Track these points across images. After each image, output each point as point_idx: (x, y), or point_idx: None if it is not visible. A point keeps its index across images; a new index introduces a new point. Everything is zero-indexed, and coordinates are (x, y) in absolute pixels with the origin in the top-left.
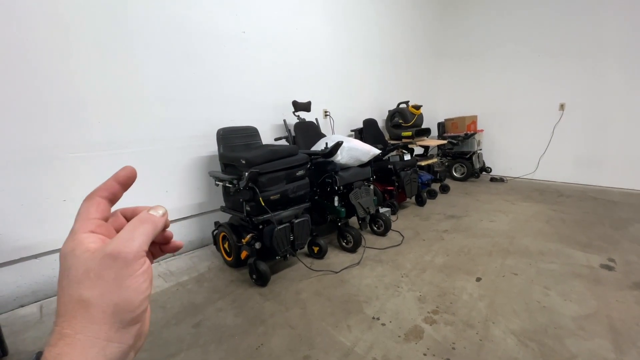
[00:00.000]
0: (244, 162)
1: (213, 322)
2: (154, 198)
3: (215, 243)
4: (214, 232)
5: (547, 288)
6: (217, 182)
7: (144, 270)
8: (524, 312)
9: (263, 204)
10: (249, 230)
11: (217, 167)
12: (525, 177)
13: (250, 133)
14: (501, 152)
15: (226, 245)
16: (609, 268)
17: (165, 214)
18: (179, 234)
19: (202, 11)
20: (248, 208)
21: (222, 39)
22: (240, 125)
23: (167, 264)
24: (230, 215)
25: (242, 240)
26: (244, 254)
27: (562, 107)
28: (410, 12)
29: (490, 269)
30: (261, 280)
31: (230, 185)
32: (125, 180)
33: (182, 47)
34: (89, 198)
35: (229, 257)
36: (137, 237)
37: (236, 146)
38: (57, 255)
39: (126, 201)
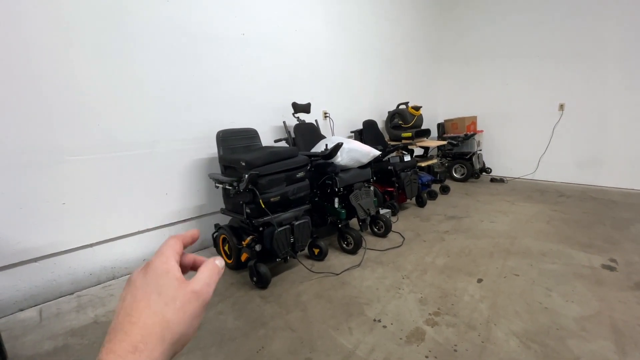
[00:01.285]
0: (243, 164)
1: (213, 325)
2: (154, 200)
3: (216, 245)
4: (214, 235)
5: (548, 289)
6: (217, 184)
7: (203, 314)
8: (525, 313)
9: (263, 206)
10: (249, 233)
11: (217, 169)
12: (525, 177)
13: (250, 135)
14: (501, 153)
15: (226, 248)
16: (611, 268)
17: (224, 266)
18: None
19: (202, 13)
20: (248, 210)
21: (221, 40)
22: (240, 127)
23: None
24: (231, 218)
25: (243, 242)
26: (244, 257)
27: (561, 107)
28: (409, 14)
29: (491, 270)
30: (262, 282)
31: (230, 187)
32: (194, 239)
33: (181, 48)
34: (176, 237)
35: (229, 259)
36: (212, 284)
37: (236, 148)
38: (56, 258)
39: (129, 200)
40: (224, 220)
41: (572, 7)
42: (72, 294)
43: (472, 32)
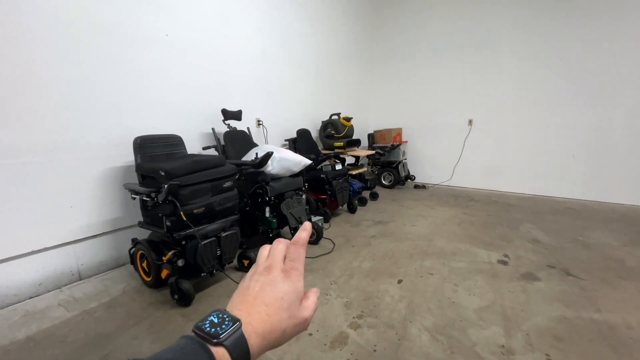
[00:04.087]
0: (163, 173)
1: (125, 352)
2: (55, 214)
3: (133, 262)
4: (131, 251)
5: (456, 285)
6: (133, 196)
7: None
8: (436, 309)
9: (185, 219)
10: (170, 247)
11: (134, 179)
12: (443, 184)
13: (173, 142)
14: (423, 162)
15: (144, 265)
16: (504, 263)
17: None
18: (88, 254)
19: (116, 8)
20: (168, 223)
21: (141, 40)
22: (162, 133)
23: (70, 290)
24: (150, 232)
25: (163, 258)
26: (164, 273)
27: (470, 122)
28: (342, 30)
29: (410, 271)
30: (184, 300)
31: (148, 199)
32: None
33: (92, 47)
34: (304, 250)
35: (148, 277)
36: (315, 309)
37: (156, 156)
38: None
39: (21, 216)
40: (143, 234)
41: (475, 38)
42: None
43: (398, 53)
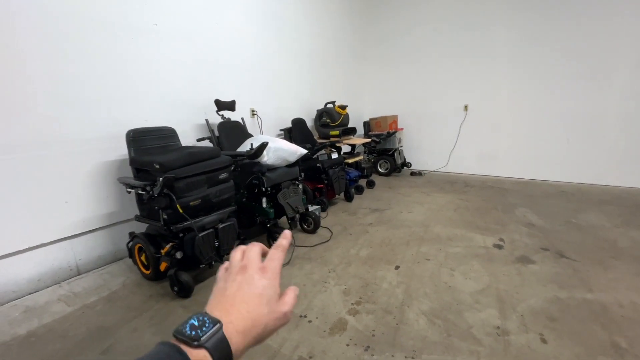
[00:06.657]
0: (157, 166)
1: (126, 345)
2: (49, 210)
3: (131, 256)
4: (129, 244)
5: (452, 269)
6: (128, 189)
7: None
8: (433, 293)
9: (181, 211)
10: (168, 240)
11: (129, 172)
12: (439, 170)
13: (167, 134)
14: (419, 148)
15: (143, 258)
16: (499, 247)
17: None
18: (85, 249)
19: None
20: (165, 216)
21: (129, 30)
22: (155, 125)
23: (69, 285)
24: (147, 225)
25: (161, 250)
26: (163, 266)
27: (465, 108)
28: (336, 19)
29: (407, 257)
30: (184, 291)
31: (143, 192)
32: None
33: (79, 38)
34: (283, 253)
35: (147, 270)
36: (294, 304)
37: (150, 149)
38: None
39: (15, 213)
40: (140, 227)
41: (471, 23)
42: None
43: (392, 38)
